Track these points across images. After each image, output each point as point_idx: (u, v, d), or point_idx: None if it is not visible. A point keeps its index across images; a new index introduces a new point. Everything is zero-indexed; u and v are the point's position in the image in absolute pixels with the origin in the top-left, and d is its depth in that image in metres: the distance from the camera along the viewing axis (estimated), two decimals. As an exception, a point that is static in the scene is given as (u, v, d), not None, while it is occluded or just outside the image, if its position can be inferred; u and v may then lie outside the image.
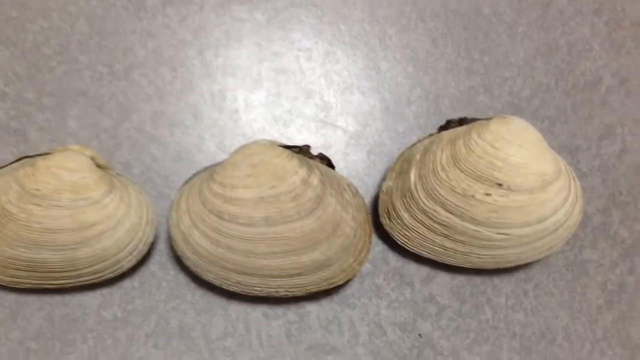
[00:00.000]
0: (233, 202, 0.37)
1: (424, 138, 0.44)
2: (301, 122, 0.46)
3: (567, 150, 0.46)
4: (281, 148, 0.39)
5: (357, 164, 0.45)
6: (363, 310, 0.42)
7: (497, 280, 0.44)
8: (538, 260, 0.43)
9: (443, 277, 0.44)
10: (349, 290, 0.43)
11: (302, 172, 0.38)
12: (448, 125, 0.43)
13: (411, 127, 0.46)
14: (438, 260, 0.43)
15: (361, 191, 0.45)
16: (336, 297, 0.43)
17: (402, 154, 0.43)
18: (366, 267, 0.44)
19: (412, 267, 0.44)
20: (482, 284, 0.44)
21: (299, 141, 0.45)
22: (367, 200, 0.45)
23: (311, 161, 0.40)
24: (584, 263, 0.44)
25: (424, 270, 0.44)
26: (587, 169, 0.46)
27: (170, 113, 0.46)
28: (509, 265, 0.42)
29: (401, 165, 0.43)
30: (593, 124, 0.48)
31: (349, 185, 0.42)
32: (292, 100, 0.46)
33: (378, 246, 0.44)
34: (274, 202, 0.37)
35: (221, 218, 0.38)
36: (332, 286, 0.40)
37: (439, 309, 0.43)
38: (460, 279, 0.44)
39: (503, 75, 0.48)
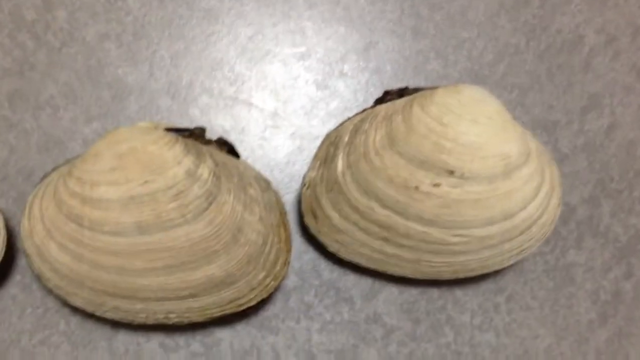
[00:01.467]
0: (94, 203, 0.29)
1: (355, 115, 0.35)
2: (206, 99, 0.37)
3: (542, 126, 0.39)
4: (162, 132, 0.31)
5: (279, 152, 0.37)
6: (289, 335, 0.36)
7: (459, 292, 0.37)
8: (510, 266, 0.37)
9: (390, 291, 0.37)
10: (270, 310, 0.36)
11: (188, 162, 0.30)
12: (385, 97, 0.35)
13: (346, 104, 0.38)
14: (381, 271, 0.35)
15: (284, 186, 0.37)
16: (254, 320, 0.36)
17: (327, 136, 0.35)
18: (292, 280, 0.37)
19: (350, 279, 0.37)
20: (440, 297, 0.37)
21: (203, 123, 0.37)
22: (293, 196, 0.36)
23: (204, 148, 0.32)
24: (569, 267, 0.38)
25: (365, 282, 0.37)
26: (569, 149, 0.39)
27: (34, 91, 0.37)
28: (471, 274, 0.35)
29: (327, 150, 0.35)
30: (574, 94, 0.40)
31: (257, 178, 0.33)
32: (193, 72, 0.37)
33: (308, 254, 0.37)
34: (148, 202, 0.29)
35: (81, 225, 0.30)
36: (240, 309, 0.33)
37: (386, 331, 0.37)
38: (412, 292, 0.37)
39: (459, 37, 0.39)
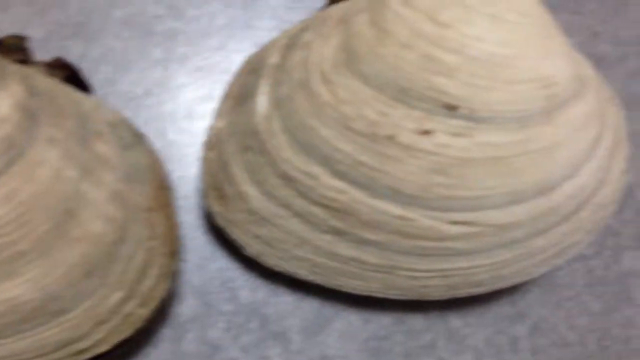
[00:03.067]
0: None
1: (294, 27, 0.23)
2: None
3: (597, 59, 0.30)
4: None
5: (172, 96, 0.24)
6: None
7: (456, 321, 0.27)
8: (534, 279, 0.27)
9: (349, 321, 0.26)
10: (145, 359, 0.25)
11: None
12: (345, -5, 0.24)
13: (280, 19, 0.25)
14: (332, 287, 0.24)
15: (179, 153, 0.26)
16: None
17: (246, 62, 0.24)
18: (189, 306, 0.26)
19: (285, 303, 0.26)
20: (427, 329, 0.26)
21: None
22: (194, 171, 0.26)
23: (15, 68, 0.19)
24: (625, 280, 0.28)
25: (309, 307, 0.26)
26: (622, 97, 0.30)
27: None
28: (477, 291, 0.24)
29: (243, 82, 0.24)
30: (629, 16, 0.31)
31: (116, 125, 0.21)
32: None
33: (216, 261, 0.26)
34: None
35: None
36: (78, 360, 0.20)
37: (344, 389, 0.25)
38: (382, 321, 0.26)
39: None
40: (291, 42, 0.23)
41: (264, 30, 0.29)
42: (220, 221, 0.24)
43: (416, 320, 0.27)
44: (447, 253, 0.22)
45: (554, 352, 0.27)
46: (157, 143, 0.27)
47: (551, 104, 0.20)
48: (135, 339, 0.24)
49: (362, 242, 0.22)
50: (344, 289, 0.24)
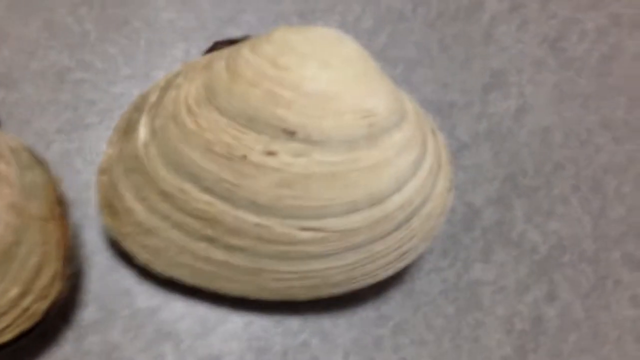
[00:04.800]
0: None
1: (171, 73, 0.27)
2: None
3: (435, 109, 0.32)
4: None
5: (81, 134, 0.28)
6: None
7: (327, 323, 0.29)
8: (396, 286, 0.29)
9: (233, 322, 0.28)
10: (46, 357, 0.26)
11: None
12: (215, 48, 0.27)
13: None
14: (212, 289, 0.26)
15: (84, 178, 0.28)
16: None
17: (134, 102, 0.26)
18: (90, 312, 0.27)
19: (177, 308, 0.28)
20: (301, 330, 0.28)
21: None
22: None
23: None
24: (474, 287, 0.30)
25: (197, 311, 0.28)
26: (469, 137, 0.32)
27: None
28: (336, 291, 0.26)
29: (129, 117, 0.26)
30: (473, 69, 0.33)
31: (16, 150, 0.24)
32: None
33: (116, 272, 0.28)
34: None
35: None
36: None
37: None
38: (263, 323, 0.28)
39: (329, -4, 0.32)
40: (167, 84, 0.26)
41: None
42: (114, 234, 0.26)
43: (292, 323, 0.28)
44: (303, 256, 0.24)
45: (413, 349, 0.28)
46: (66, 172, 0.29)
47: (373, 131, 0.23)
48: (39, 337, 0.27)
49: (231, 248, 0.24)
50: (223, 292, 0.26)
